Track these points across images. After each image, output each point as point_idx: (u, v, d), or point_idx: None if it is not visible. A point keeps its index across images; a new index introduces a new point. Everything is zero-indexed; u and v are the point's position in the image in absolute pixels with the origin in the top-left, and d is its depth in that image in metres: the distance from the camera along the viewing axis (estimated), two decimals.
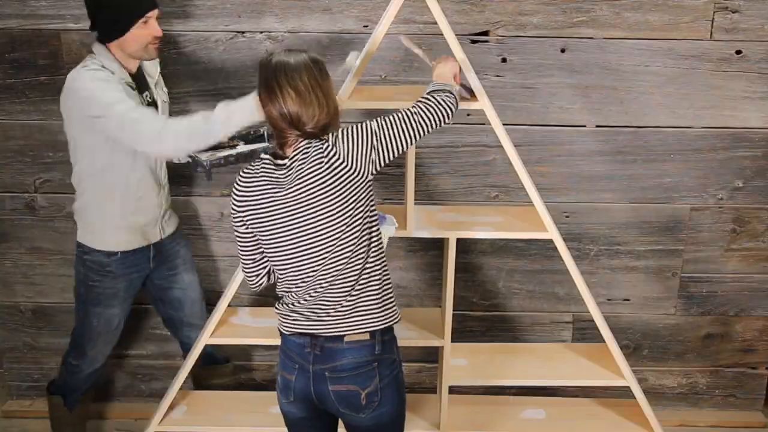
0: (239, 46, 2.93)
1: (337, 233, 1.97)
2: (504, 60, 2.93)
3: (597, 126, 3.01)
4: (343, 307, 2.02)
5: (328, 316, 2.03)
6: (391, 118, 2.03)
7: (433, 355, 3.16)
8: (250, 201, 2.02)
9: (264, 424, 2.78)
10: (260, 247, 2.10)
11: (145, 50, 2.51)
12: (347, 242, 1.98)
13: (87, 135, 2.50)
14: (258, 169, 2.02)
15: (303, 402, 2.09)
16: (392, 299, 2.10)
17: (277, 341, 2.77)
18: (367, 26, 2.89)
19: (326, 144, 1.95)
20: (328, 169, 1.94)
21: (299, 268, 2.01)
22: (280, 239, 2.00)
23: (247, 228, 2.07)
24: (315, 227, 1.97)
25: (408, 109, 2.07)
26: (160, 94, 2.70)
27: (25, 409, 3.33)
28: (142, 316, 3.26)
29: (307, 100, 1.93)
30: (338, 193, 1.95)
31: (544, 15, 2.87)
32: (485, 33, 2.90)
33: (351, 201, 1.96)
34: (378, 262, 2.05)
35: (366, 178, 1.98)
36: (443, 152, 3.04)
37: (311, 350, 2.04)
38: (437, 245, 3.05)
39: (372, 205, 2.04)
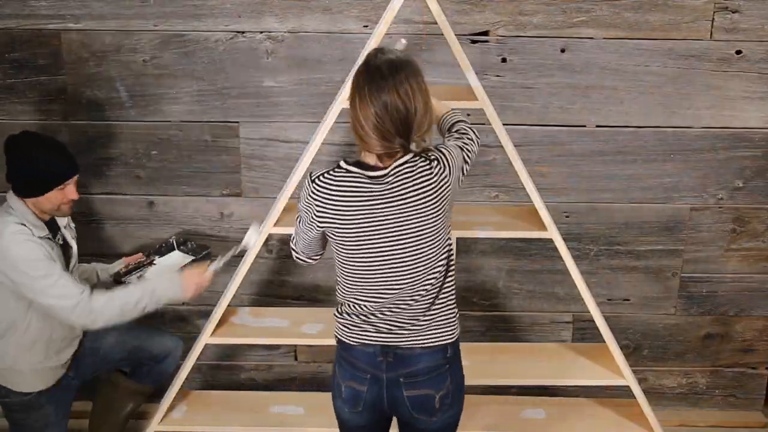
0: (239, 46, 2.93)
1: (432, 252, 1.95)
2: (504, 60, 2.93)
3: (597, 126, 3.01)
4: (420, 323, 2.00)
5: (404, 330, 2.00)
6: (467, 145, 2.05)
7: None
8: (335, 209, 1.92)
9: (264, 424, 2.78)
10: (325, 246, 2.07)
11: (58, 210, 2.54)
12: (437, 261, 1.97)
13: (4, 291, 2.47)
14: (343, 177, 1.92)
15: (372, 411, 2.07)
16: (458, 313, 2.11)
17: (277, 341, 2.79)
18: (367, 26, 2.89)
19: (436, 164, 1.91)
20: (435, 186, 1.91)
21: (383, 283, 1.96)
22: (368, 251, 1.93)
23: (321, 233, 2.00)
24: (414, 244, 1.92)
25: (465, 137, 2.09)
26: (68, 232, 2.66)
27: None
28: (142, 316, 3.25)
29: (417, 104, 1.85)
30: (439, 210, 1.93)
31: (544, 15, 2.87)
32: (485, 33, 2.91)
33: (445, 219, 1.96)
34: (453, 279, 2.06)
35: (454, 195, 1.98)
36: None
37: (383, 358, 2.01)
38: None
39: (449, 227, 2.03)
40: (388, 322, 2.00)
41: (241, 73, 2.95)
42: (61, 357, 2.61)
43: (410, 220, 1.91)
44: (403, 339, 2.00)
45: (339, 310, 2.08)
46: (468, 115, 2.94)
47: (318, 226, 1.98)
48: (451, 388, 2.04)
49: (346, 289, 2.02)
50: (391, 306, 1.99)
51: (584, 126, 3.01)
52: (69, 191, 2.51)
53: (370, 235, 1.92)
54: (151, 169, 3.07)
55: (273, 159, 3.04)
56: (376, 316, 2.00)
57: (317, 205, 1.95)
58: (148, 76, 2.96)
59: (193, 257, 2.79)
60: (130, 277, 2.70)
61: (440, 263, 1.99)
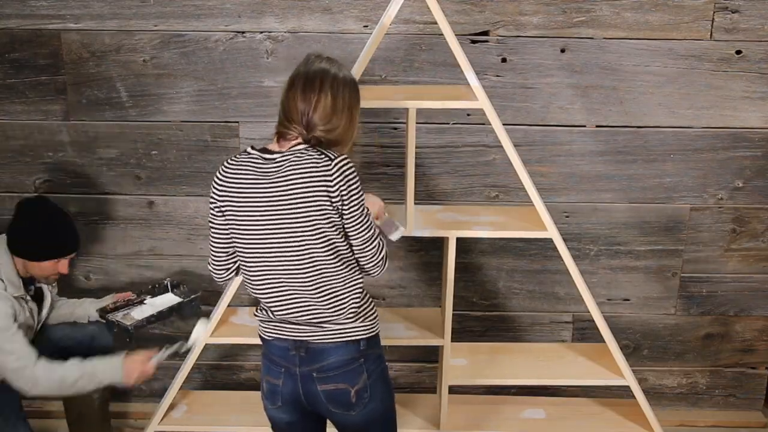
0: (239, 46, 2.93)
1: (315, 245, 1.92)
2: (504, 60, 2.93)
3: (597, 126, 3.01)
4: (326, 318, 1.99)
5: (312, 326, 2.00)
6: (368, 223, 2.00)
7: (433, 355, 3.16)
8: (231, 189, 1.96)
9: (264, 424, 2.76)
10: (233, 240, 2.05)
11: (45, 279, 2.63)
12: (323, 254, 1.94)
13: None
14: (243, 160, 1.98)
15: (291, 405, 2.07)
16: (375, 310, 2.09)
17: None
18: (367, 26, 2.89)
19: (326, 159, 1.90)
20: (316, 177, 1.89)
21: (275, 272, 1.96)
22: (258, 234, 1.95)
23: (224, 217, 2.00)
24: (294, 230, 1.92)
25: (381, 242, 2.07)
26: (46, 286, 2.73)
27: (25, 409, 3.32)
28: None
29: (337, 115, 1.94)
30: (318, 205, 1.90)
31: (544, 15, 2.87)
32: (485, 33, 2.91)
33: (329, 221, 1.92)
34: (357, 281, 2.02)
35: (339, 214, 1.93)
36: (443, 152, 3.04)
37: (296, 353, 2.02)
38: (437, 245, 3.05)
39: (343, 238, 1.98)
40: (296, 317, 2.00)
41: (241, 73, 2.95)
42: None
43: (291, 205, 1.90)
44: (313, 334, 2.00)
45: (257, 308, 2.10)
46: (468, 114, 2.96)
47: (220, 209, 1.99)
48: (369, 382, 2.03)
49: (247, 281, 2.03)
50: (288, 301, 1.99)
51: (584, 126, 3.01)
52: (62, 266, 2.61)
53: (258, 217, 1.93)
54: (151, 169, 3.07)
55: None
56: (285, 314, 2.01)
57: (218, 185, 1.98)
58: (148, 76, 2.96)
59: (182, 299, 2.83)
60: (116, 315, 2.73)
61: (328, 258, 1.95)
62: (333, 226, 1.93)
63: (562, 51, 2.92)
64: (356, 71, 2.42)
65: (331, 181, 1.89)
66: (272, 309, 2.02)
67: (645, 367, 3.30)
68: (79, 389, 2.54)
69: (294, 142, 1.95)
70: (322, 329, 2.00)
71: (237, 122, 3.01)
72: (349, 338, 2.00)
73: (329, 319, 1.99)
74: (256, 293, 2.04)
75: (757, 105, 2.97)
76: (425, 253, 3.15)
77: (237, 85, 2.96)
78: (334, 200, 1.90)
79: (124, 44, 2.93)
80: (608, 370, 2.74)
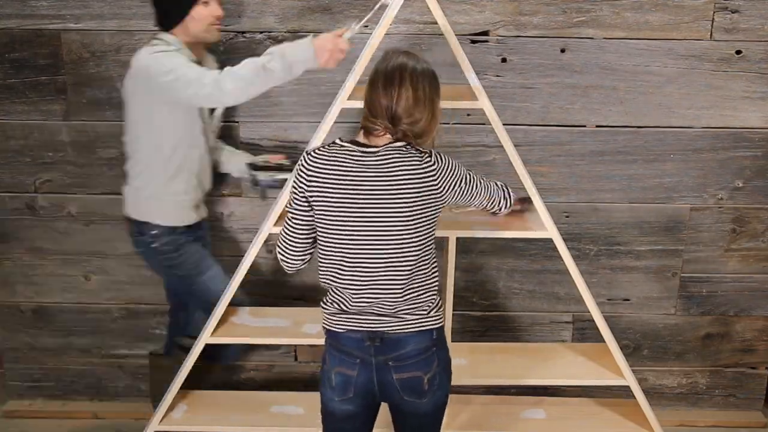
0: (239, 46, 2.93)
1: (406, 238, 2.00)
2: (504, 60, 2.93)
3: (597, 126, 3.01)
4: (404, 311, 2.05)
5: (388, 316, 2.05)
6: (480, 180, 2.21)
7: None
8: (324, 178, 2.00)
9: (264, 424, 2.78)
10: (314, 230, 2.08)
11: (207, 31, 2.57)
12: (417, 249, 2.02)
13: (154, 114, 2.55)
14: (336, 151, 2.01)
15: (362, 396, 2.11)
16: (441, 303, 2.16)
17: (277, 341, 2.78)
18: (367, 26, 2.88)
19: (427, 157, 2.01)
20: (422, 178, 1.99)
21: (362, 262, 2.01)
22: (347, 223, 2.00)
23: (310, 206, 2.04)
24: (388, 220, 1.99)
25: (493, 183, 2.30)
26: None
27: (25, 408, 3.33)
28: (143, 316, 3.26)
29: (420, 107, 1.98)
30: (421, 204, 2.00)
31: (544, 15, 2.87)
32: (485, 33, 2.91)
33: (428, 218, 2.03)
34: (435, 276, 2.11)
35: (441, 207, 2.08)
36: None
37: (371, 343, 2.06)
38: (437, 245, 3.05)
39: (434, 227, 2.09)
40: (373, 309, 2.05)
41: None
42: (196, 197, 2.74)
43: (394, 197, 1.98)
44: (388, 325, 2.05)
45: (325, 300, 2.12)
46: (468, 114, 2.95)
47: (305, 199, 2.03)
48: (438, 370, 2.10)
49: (327, 269, 2.06)
50: (371, 292, 2.03)
51: (584, 126, 3.01)
52: (213, 8, 2.55)
53: (351, 206, 1.99)
54: None
55: None
56: (362, 305, 2.04)
57: (308, 174, 2.02)
58: None
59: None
60: (264, 173, 2.72)
61: (420, 253, 2.03)
62: (433, 221, 2.05)
63: (562, 51, 2.92)
64: (356, 71, 2.42)
65: (437, 183, 2.02)
66: (351, 300, 2.05)
67: (645, 367, 3.30)
68: (273, 78, 2.42)
69: (387, 138, 2.01)
70: (399, 319, 2.05)
71: (237, 122, 3.01)
72: (425, 328, 2.07)
73: (408, 309, 2.05)
74: (336, 282, 2.06)
75: (757, 105, 2.97)
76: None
77: None
78: (440, 198, 2.04)
79: (124, 44, 2.93)
80: (608, 370, 2.73)
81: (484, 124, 2.57)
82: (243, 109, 2.99)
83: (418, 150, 2.01)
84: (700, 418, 3.33)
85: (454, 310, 2.74)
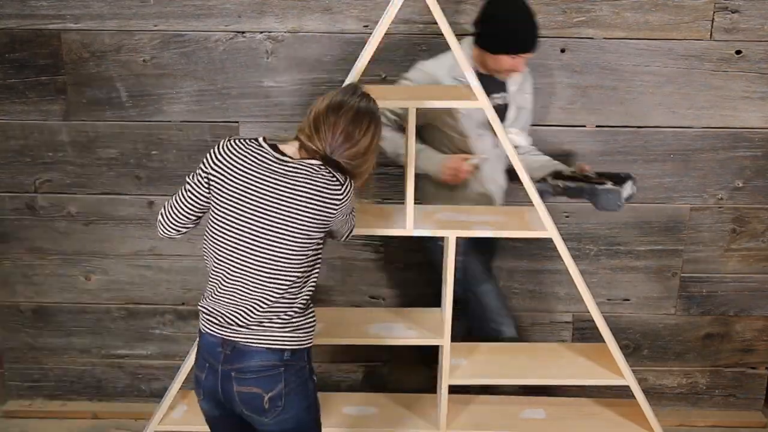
0: (239, 46, 2.93)
1: (288, 254, 1.97)
2: None
3: (597, 126, 3.01)
4: (260, 325, 2.01)
5: (244, 327, 2.01)
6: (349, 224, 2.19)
7: (433, 355, 3.15)
8: (229, 168, 1.98)
9: None
10: (200, 209, 2.09)
11: (498, 72, 2.69)
12: (290, 266, 1.98)
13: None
14: (253, 149, 2.00)
15: (212, 401, 2.10)
16: (313, 326, 2.10)
17: None
18: (367, 26, 2.89)
19: (336, 184, 1.97)
20: (326, 202, 1.97)
21: (234, 258, 1.99)
22: (236, 223, 1.97)
23: (209, 190, 2.02)
24: (276, 234, 1.95)
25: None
26: (518, 98, 2.79)
27: (25, 409, 3.33)
28: (143, 316, 3.26)
29: (368, 156, 2.03)
30: (315, 226, 1.97)
31: (544, 15, 2.87)
32: None
33: (316, 237, 1.99)
34: (310, 295, 2.07)
35: (323, 233, 2.03)
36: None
37: (222, 350, 2.03)
38: (437, 245, 3.05)
39: (320, 247, 2.06)
40: (232, 315, 2.01)
41: (241, 73, 2.95)
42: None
43: (287, 213, 1.95)
44: (243, 336, 2.02)
45: (202, 296, 2.11)
46: None
47: (206, 179, 2.02)
48: (284, 391, 2.03)
49: (206, 246, 2.06)
50: (240, 298, 2.00)
51: (584, 126, 3.01)
52: (518, 63, 2.65)
53: (244, 205, 1.96)
54: (151, 169, 3.07)
55: None
56: (220, 302, 2.03)
57: (216, 159, 2.00)
58: (148, 76, 2.96)
59: (630, 195, 2.69)
60: (568, 183, 2.68)
61: (297, 272, 2.00)
62: (318, 245, 2.04)
63: (562, 51, 2.92)
64: (356, 71, 2.42)
65: (338, 205, 1.99)
66: (214, 294, 2.04)
67: (645, 367, 3.30)
68: (399, 157, 2.68)
69: (310, 155, 1.99)
70: (252, 332, 2.01)
71: (237, 122, 3.01)
72: (276, 346, 2.02)
73: (265, 324, 2.01)
74: (212, 267, 2.06)
75: (757, 105, 2.97)
76: (425, 253, 3.15)
77: (237, 85, 2.96)
78: (333, 219, 2.01)
79: (124, 44, 2.93)
80: (608, 370, 2.73)
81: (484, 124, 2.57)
82: (243, 109, 2.99)
83: (333, 174, 1.97)
84: (700, 418, 3.33)
85: (454, 311, 2.74)
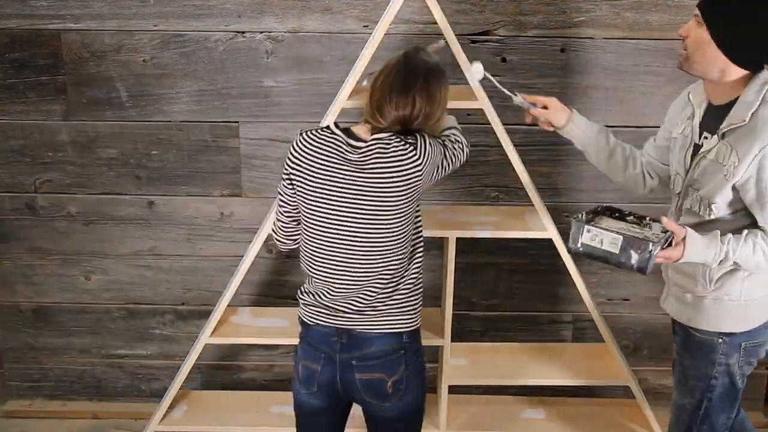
0: (239, 46, 2.93)
1: (392, 238, 1.97)
2: (504, 60, 2.93)
3: None
4: (376, 309, 2.02)
5: (359, 314, 2.01)
6: (451, 149, 2.09)
7: (433, 355, 3.16)
8: (306, 164, 1.97)
9: (264, 424, 2.78)
10: (300, 212, 2.06)
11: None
12: (397, 248, 1.98)
13: None
14: (326, 139, 1.98)
15: (326, 392, 2.08)
16: (421, 303, 2.10)
17: (277, 341, 2.79)
18: (367, 26, 2.89)
19: (410, 146, 1.94)
20: (406, 173, 1.93)
21: (336, 256, 1.99)
22: (328, 218, 1.97)
23: (293, 188, 2.02)
24: (373, 223, 1.95)
25: (456, 142, 2.15)
26: (721, 148, 2.02)
27: (25, 409, 3.33)
28: (143, 316, 3.26)
29: (434, 112, 1.99)
30: (404, 196, 1.95)
31: (544, 15, 2.87)
32: (485, 33, 2.91)
33: (409, 210, 1.98)
34: (418, 271, 2.07)
35: (423, 191, 2.02)
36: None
37: (338, 339, 2.03)
38: (437, 245, 3.05)
39: (418, 218, 2.06)
40: (342, 304, 2.01)
41: (241, 73, 2.95)
42: None
43: (373, 196, 1.93)
44: (359, 323, 2.02)
45: (302, 289, 2.10)
46: (468, 114, 2.95)
47: (290, 180, 2.01)
48: (405, 374, 2.04)
49: (303, 251, 2.05)
50: (344, 285, 2.00)
51: None
52: None
53: (330, 197, 1.96)
54: (151, 169, 3.07)
55: (273, 159, 3.04)
56: (330, 296, 2.02)
57: (294, 156, 1.99)
58: (148, 76, 2.96)
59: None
60: (597, 222, 2.09)
61: (401, 251, 1.99)
62: (415, 215, 2.02)
63: (562, 51, 2.92)
64: (356, 71, 2.42)
65: (421, 171, 1.94)
66: (322, 291, 2.03)
67: (645, 367, 3.30)
68: None
69: (377, 132, 1.96)
70: (369, 317, 2.01)
71: (237, 122, 3.01)
72: (394, 330, 2.02)
73: (380, 309, 2.01)
74: (311, 270, 2.04)
75: None
76: (425, 253, 3.13)
77: (237, 85, 2.96)
78: (421, 186, 1.97)
79: (124, 44, 2.93)
80: (608, 370, 2.74)
81: (484, 124, 2.57)
82: (243, 109, 2.99)
83: (401, 140, 1.94)
84: None
85: (454, 310, 2.74)
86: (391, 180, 1.92)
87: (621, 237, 1.91)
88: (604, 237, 1.93)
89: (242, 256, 2.68)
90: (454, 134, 2.19)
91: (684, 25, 2.12)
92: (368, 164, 1.93)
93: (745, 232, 2.00)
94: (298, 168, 1.99)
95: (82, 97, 2.99)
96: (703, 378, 2.17)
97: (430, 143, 1.97)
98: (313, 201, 1.98)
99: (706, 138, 2.08)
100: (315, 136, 2.00)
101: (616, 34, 2.90)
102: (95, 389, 3.37)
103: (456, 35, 2.39)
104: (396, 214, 1.95)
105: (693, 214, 2.10)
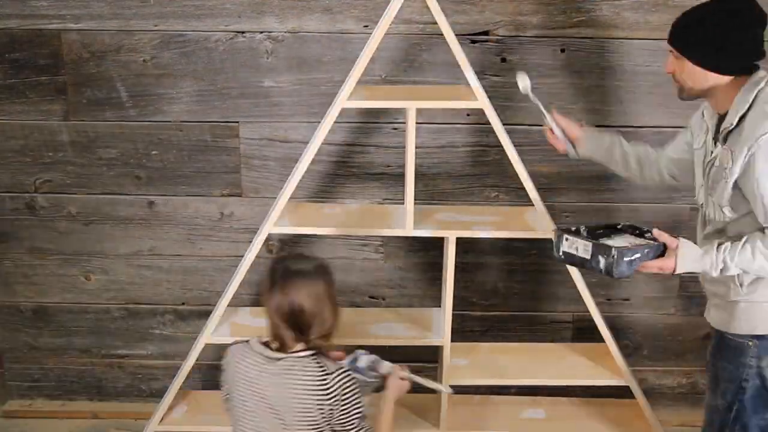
0: (239, 46, 2.93)
1: None
2: (504, 60, 2.93)
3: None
4: None
5: None
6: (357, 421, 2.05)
7: (433, 355, 3.16)
8: (230, 374, 2.05)
9: None
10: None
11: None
12: None
13: None
14: (246, 350, 2.04)
15: None
16: None
17: None
18: (367, 26, 2.89)
19: (326, 377, 1.97)
20: (316, 395, 1.96)
21: None
22: (244, 422, 2.03)
23: (228, 402, 2.10)
24: (284, 427, 1.99)
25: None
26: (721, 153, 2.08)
27: (25, 409, 3.33)
28: (143, 316, 3.26)
29: (320, 306, 1.99)
30: (309, 416, 1.97)
31: (544, 15, 2.87)
32: (485, 33, 2.91)
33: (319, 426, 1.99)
34: None
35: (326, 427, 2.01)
36: (443, 152, 3.04)
37: None
38: (437, 245, 3.05)
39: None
40: None
41: (241, 73, 2.95)
42: None
43: (283, 411, 1.97)
44: None
45: None
46: (468, 114, 2.96)
47: (226, 395, 2.09)
48: None
49: None
50: None
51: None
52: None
53: (250, 409, 2.01)
54: (151, 169, 3.07)
55: (273, 159, 3.04)
56: None
57: (223, 367, 2.09)
58: (148, 76, 2.96)
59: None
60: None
61: None
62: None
63: (562, 51, 2.92)
64: (356, 71, 2.42)
65: (327, 396, 1.96)
66: None
67: (645, 367, 3.30)
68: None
69: (295, 348, 2.01)
70: None
71: (237, 122, 3.01)
72: None
73: None
74: None
75: None
76: (425, 253, 3.15)
77: (237, 85, 2.96)
78: (327, 412, 1.97)
79: (124, 44, 2.93)
80: (608, 370, 2.74)
81: (484, 124, 2.57)
82: (243, 109, 2.99)
83: (320, 363, 1.98)
84: (700, 418, 3.28)
85: (454, 310, 2.74)
86: (301, 396, 1.96)
87: (591, 244, 2.10)
88: (578, 245, 2.12)
89: (242, 256, 2.68)
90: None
91: (665, 61, 2.17)
92: (286, 376, 1.97)
93: (745, 237, 2.04)
94: (227, 378, 2.07)
95: (82, 97, 2.99)
96: (735, 380, 2.20)
97: (347, 378, 1.99)
98: (238, 410, 2.04)
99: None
100: (238, 349, 2.06)
101: (616, 34, 2.90)
102: (95, 389, 3.37)
103: (456, 35, 2.39)
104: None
105: (713, 221, 2.17)
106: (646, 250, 2.12)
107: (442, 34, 2.38)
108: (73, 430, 3.23)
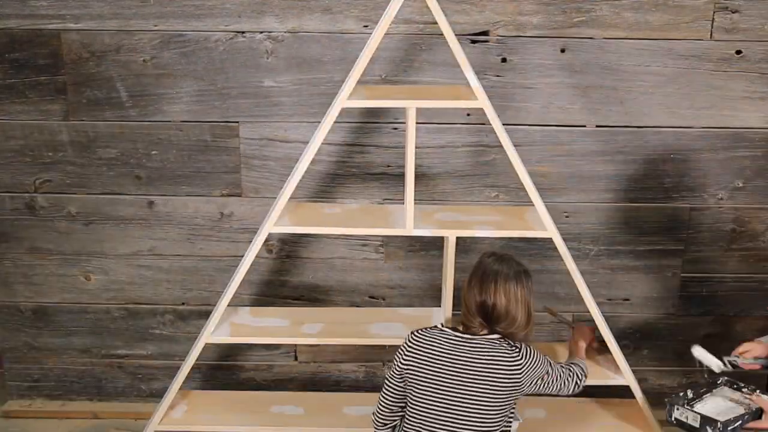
0: (239, 46, 2.93)
1: (483, 423, 2.14)
2: (504, 60, 2.93)
3: (597, 126, 3.01)
4: None
5: None
6: (559, 371, 2.34)
7: None
8: (419, 359, 2.18)
9: (264, 424, 2.78)
10: (402, 401, 2.26)
11: None
12: (487, 428, 2.16)
13: None
14: (434, 333, 2.21)
15: None
16: None
17: (277, 341, 2.79)
18: (367, 26, 2.89)
19: (516, 352, 2.17)
20: (508, 374, 2.14)
21: (438, 429, 2.16)
22: (431, 396, 2.16)
23: (404, 382, 2.22)
24: (470, 404, 2.13)
25: (569, 371, 2.41)
26: None
27: (25, 409, 3.33)
28: (143, 316, 3.26)
29: (512, 312, 2.18)
30: (503, 395, 2.15)
31: (544, 15, 2.87)
32: (485, 33, 2.91)
33: (506, 407, 2.18)
34: None
35: (519, 397, 2.21)
36: (443, 152, 3.04)
37: None
38: (437, 245, 3.05)
39: (513, 408, 2.25)
40: None
41: (241, 73, 2.95)
42: None
43: (474, 385, 2.14)
44: None
45: None
46: (468, 114, 2.96)
47: (401, 375, 2.22)
48: None
49: (407, 428, 2.22)
50: None
51: (584, 126, 3.01)
52: None
53: (440, 383, 2.16)
54: (151, 169, 3.07)
55: (273, 159, 3.04)
56: None
57: (406, 354, 2.21)
58: (148, 76, 2.96)
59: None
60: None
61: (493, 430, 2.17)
62: (510, 409, 2.20)
63: (562, 51, 2.92)
64: (356, 71, 2.42)
65: (521, 378, 2.16)
66: None
67: (645, 367, 3.30)
68: None
69: (484, 332, 2.19)
70: None
71: (237, 122, 3.01)
72: None
73: None
74: None
75: (757, 105, 2.97)
76: (425, 253, 3.15)
77: (237, 85, 2.96)
78: (520, 390, 2.18)
79: (124, 44, 2.93)
80: (608, 370, 2.73)
81: (484, 124, 2.57)
82: (243, 109, 2.99)
83: (510, 344, 2.17)
84: None
85: (454, 310, 2.74)
86: (496, 373, 2.13)
87: (699, 416, 2.38)
88: (688, 414, 2.42)
89: (242, 256, 2.68)
90: (574, 367, 2.44)
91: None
92: (479, 355, 2.15)
93: None
94: (410, 364, 2.19)
95: (81, 97, 2.99)
96: None
97: (537, 358, 2.21)
98: (425, 387, 2.17)
99: None
100: (424, 333, 2.22)
101: (616, 34, 2.90)
102: (95, 389, 3.37)
103: (456, 35, 2.39)
104: (496, 405, 2.15)
105: None
106: (746, 416, 2.41)
107: (442, 34, 2.38)
108: (73, 430, 3.23)
